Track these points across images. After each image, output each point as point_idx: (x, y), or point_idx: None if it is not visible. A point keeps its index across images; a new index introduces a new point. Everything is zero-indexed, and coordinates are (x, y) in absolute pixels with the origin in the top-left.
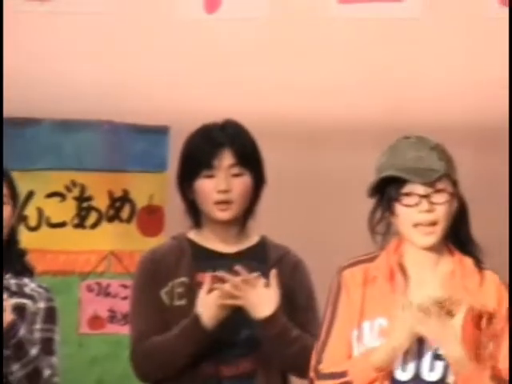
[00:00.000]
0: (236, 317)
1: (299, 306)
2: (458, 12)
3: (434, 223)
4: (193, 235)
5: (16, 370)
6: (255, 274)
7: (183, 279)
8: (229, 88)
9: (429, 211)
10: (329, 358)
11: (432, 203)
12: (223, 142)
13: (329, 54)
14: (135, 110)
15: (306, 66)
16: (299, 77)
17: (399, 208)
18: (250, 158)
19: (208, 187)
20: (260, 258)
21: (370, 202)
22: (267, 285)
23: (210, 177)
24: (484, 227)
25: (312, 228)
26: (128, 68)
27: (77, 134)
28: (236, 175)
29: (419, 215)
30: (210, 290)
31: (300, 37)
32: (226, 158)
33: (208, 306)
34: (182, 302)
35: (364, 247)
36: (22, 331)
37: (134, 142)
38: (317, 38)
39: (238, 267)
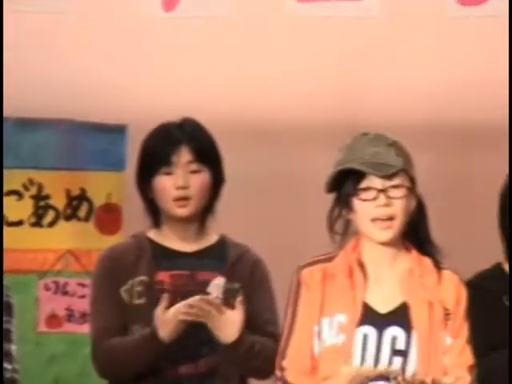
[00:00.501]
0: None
1: (258, 304)
2: (417, 11)
3: (391, 218)
4: (152, 234)
5: None
6: (217, 297)
7: (142, 278)
8: (187, 87)
9: (386, 205)
10: (292, 354)
11: (389, 197)
12: (181, 138)
13: (287, 52)
14: (93, 108)
15: (264, 64)
16: (258, 75)
17: (357, 203)
18: (208, 155)
19: (166, 184)
20: (219, 256)
21: (330, 202)
22: (233, 307)
23: (169, 174)
24: (445, 227)
25: (272, 227)
26: (85, 67)
27: (35, 133)
28: (194, 172)
29: (377, 209)
30: (168, 307)
31: (259, 35)
32: (184, 155)
33: (165, 323)
34: (142, 301)
35: (324, 246)
36: None
37: (92, 141)
38: (276, 36)
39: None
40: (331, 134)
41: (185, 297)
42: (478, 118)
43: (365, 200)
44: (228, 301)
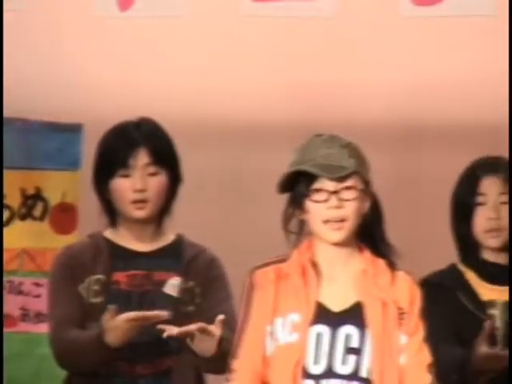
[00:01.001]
0: None
1: (214, 299)
2: (371, 11)
3: (342, 219)
4: (109, 234)
5: None
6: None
7: (99, 277)
8: (143, 86)
9: (338, 207)
10: (243, 355)
11: (341, 200)
12: (138, 140)
13: (242, 52)
14: (49, 107)
15: (218, 63)
16: (213, 75)
17: (309, 204)
18: (165, 157)
19: (124, 186)
20: (175, 256)
21: (282, 206)
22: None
23: (126, 176)
24: (397, 227)
25: (229, 228)
26: (41, 66)
27: None
28: (152, 174)
29: (328, 211)
30: (113, 315)
31: (214, 35)
32: (142, 158)
33: (112, 330)
34: (98, 300)
35: (281, 247)
36: None
37: (48, 140)
38: (231, 36)
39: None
40: (286, 135)
41: (141, 297)
42: (431, 118)
43: (317, 202)
44: (184, 300)
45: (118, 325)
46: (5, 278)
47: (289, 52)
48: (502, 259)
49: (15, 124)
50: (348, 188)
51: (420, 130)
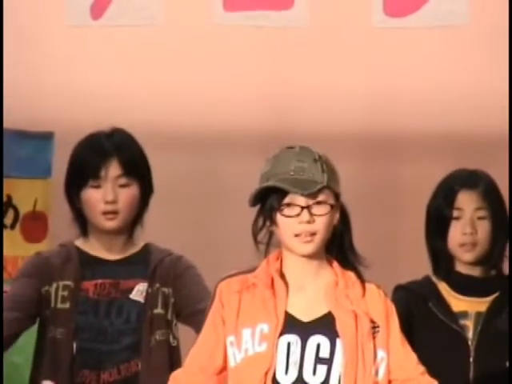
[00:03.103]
0: (115, 327)
1: (188, 288)
2: (344, 21)
3: (313, 233)
4: (79, 243)
5: None
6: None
7: (68, 283)
8: (114, 94)
9: (309, 222)
10: (186, 365)
11: (312, 214)
12: (110, 151)
13: (214, 61)
14: (20, 116)
15: (191, 72)
16: (185, 83)
17: (280, 218)
18: (137, 168)
19: (95, 197)
20: (143, 263)
21: (254, 210)
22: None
23: (97, 187)
24: (378, 238)
25: (201, 237)
26: (14, 75)
27: None
28: (123, 186)
29: (299, 226)
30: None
31: (186, 44)
32: (113, 169)
33: None
34: (66, 306)
35: (253, 256)
36: None
37: (19, 148)
38: (203, 45)
39: None
40: (257, 143)
41: (109, 304)
42: (405, 127)
43: (288, 216)
44: (151, 304)
45: None
46: None
47: (261, 61)
48: (475, 272)
49: None
50: (319, 203)
51: (396, 139)
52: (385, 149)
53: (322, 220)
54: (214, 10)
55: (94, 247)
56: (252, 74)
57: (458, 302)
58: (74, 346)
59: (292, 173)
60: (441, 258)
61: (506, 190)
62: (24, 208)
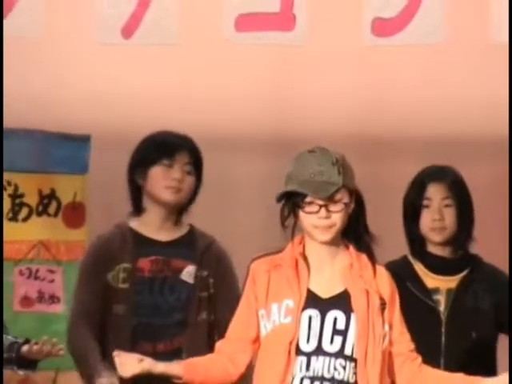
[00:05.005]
0: (169, 304)
1: (221, 296)
2: (338, 41)
3: (330, 226)
4: (133, 224)
5: None
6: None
7: (126, 265)
8: (143, 102)
9: (326, 217)
10: (227, 336)
11: (329, 211)
12: (184, 140)
13: (228, 75)
14: (62, 120)
15: (208, 85)
16: (203, 95)
17: (302, 214)
18: (198, 162)
19: (164, 174)
20: (190, 245)
21: (262, 206)
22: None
23: (168, 166)
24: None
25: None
26: (57, 85)
27: (12, 141)
28: (188, 173)
29: (318, 220)
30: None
31: (203, 60)
32: (184, 156)
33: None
34: (126, 286)
35: (262, 248)
36: None
37: (61, 148)
38: (218, 62)
39: None
40: (263, 144)
41: (162, 283)
42: (387, 132)
43: (308, 213)
44: (199, 286)
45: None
46: (24, 266)
47: (267, 74)
48: (445, 253)
49: (34, 134)
50: (336, 201)
51: (382, 144)
52: (374, 152)
53: (337, 215)
54: (226, 30)
55: (146, 228)
56: (260, 85)
57: (431, 280)
58: (134, 320)
59: (312, 175)
60: (415, 241)
61: (506, 189)
62: (65, 199)
